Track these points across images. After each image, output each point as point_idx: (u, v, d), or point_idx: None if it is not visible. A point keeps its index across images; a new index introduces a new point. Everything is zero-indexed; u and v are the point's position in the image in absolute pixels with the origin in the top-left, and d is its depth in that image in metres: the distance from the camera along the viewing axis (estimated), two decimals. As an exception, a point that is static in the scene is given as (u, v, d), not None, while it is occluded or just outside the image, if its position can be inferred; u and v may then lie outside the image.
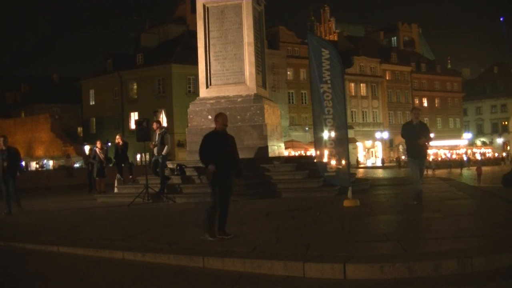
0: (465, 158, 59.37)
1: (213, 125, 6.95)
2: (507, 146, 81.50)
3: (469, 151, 68.23)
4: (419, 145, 10.12)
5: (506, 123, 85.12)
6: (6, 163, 12.42)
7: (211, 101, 16.28)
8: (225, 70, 16.41)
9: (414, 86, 75.54)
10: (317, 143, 11.08)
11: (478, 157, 63.26)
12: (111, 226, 9.66)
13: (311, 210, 9.92)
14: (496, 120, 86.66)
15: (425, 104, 76.25)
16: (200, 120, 16.27)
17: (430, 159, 54.25)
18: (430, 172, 39.38)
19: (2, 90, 65.83)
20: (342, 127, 10.77)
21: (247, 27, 16.20)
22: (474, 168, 36.34)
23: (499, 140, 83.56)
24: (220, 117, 7.67)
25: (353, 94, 67.43)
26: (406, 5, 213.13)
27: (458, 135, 78.41)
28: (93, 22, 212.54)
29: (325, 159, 10.90)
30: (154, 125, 14.21)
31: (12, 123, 56.54)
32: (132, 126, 46.47)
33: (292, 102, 63.04)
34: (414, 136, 10.12)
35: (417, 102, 75.40)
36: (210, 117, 16.18)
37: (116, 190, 15.91)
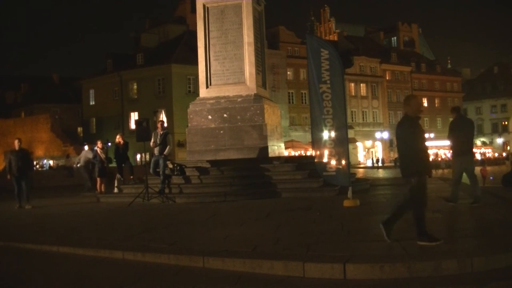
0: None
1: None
2: (507, 146, 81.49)
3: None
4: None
5: (506, 123, 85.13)
6: (20, 162, 13.82)
7: (211, 101, 16.28)
8: (225, 70, 16.41)
9: (414, 86, 75.54)
10: (316, 143, 11.08)
11: (478, 157, 63.16)
12: (111, 226, 9.65)
13: (311, 210, 9.92)
14: (496, 120, 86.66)
15: (425, 104, 76.23)
16: (200, 120, 16.27)
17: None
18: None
19: (2, 90, 65.92)
20: (342, 127, 10.77)
21: (247, 27, 16.20)
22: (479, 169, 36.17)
23: (499, 140, 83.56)
24: (413, 100, 6.52)
25: (353, 94, 67.44)
26: (406, 5, 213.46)
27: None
28: (93, 22, 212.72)
29: (325, 159, 10.91)
30: (159, 125, 14.23)
31: (12, 123, 56.53)
32: (132, 126, 46.47)
33: (292, 102, 63.04)
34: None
35: (417, 102, 75.38)
36: (210, 117, 16.20)
37: (116, 190, 15.91)
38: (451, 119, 10.51)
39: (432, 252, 5.68)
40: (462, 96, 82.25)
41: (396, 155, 68.76)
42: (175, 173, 14.81)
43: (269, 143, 15.91)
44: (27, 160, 14.27)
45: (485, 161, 46.90)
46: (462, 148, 9.62)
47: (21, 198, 13.89)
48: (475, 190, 9.56)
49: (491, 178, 22.95)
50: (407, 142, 6.26)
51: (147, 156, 16.09)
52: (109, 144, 29.08)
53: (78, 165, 19.03)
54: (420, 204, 6.28)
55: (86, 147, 19.88)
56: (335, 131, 10.73)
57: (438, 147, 65.73)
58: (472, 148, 9.86)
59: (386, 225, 6.31)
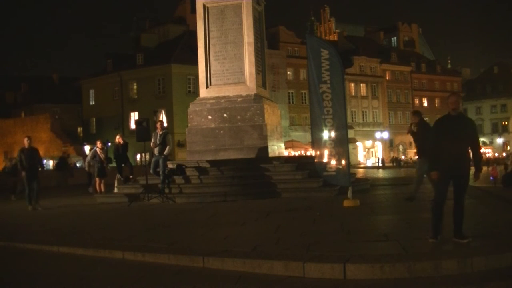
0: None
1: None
2: (507, 146, 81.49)
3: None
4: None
5: (506, 123, 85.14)
6: (31, 161, 13.41)
7: (211, 101, 16.28)
8: (225, 70, 16.41)
9: (414, 86, 75.58)
10: (316, 143, 11.08)
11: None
12: (111, 226, 9.66)
13: (311, 210, 9.92)
14: (496, 120, 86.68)
15: (425, 104, 76.29)
16: (200, 120, 16.26)
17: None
18: None
19: (2, 90, 65.87)
20: (342, 127, 10.77)
21: (247, 27, 16.19)
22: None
23: (499, 140, 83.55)
24: (450, 97, 6.47)
25: (353, 94, 67.44)
26: (406, 5, 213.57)
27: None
28: (93, 22, 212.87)
29: (325, 159, 10.91)
30: (158, 125, 14.21)
31: (12, 123, 56.53)
32: (132, 126, 46.45)
33: (292, 102, 63.05)
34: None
35: (417, 102, 75.47)
36: (210, 117, 16.19)
37: (116, 190, 15.90)
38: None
39: (432, 252, 5.68)
40: (462, 96, 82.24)
41: (395, 155, 68.80)
42: (175, 173, 14.80)
43: (269, 143, 15.90)
44: (37, 159, 13.84)
45: (490, 161, 46.60)
46: (422, 151, 10.38)
47: (31, 198, 13.45)
48: (415, 189, 10.65)
49: (491, 178, 22.88)
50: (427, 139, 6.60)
51: (147, 156, 16.06)
52: (109, 144, 29.10)
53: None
54: (434, 199, 6.47)
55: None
56: (335, 131, 10.73)
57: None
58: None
59: (457, 233, 6.22)
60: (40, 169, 13.98)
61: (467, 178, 6.38)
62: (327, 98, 10.73)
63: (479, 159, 6.43)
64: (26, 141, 13.68)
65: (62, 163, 27.68)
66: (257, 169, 14.68)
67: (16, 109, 63.86)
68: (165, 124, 16.51)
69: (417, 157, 11.16)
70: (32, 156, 13.53)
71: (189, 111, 16.60)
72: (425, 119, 11.39)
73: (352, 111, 66.15)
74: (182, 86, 51.46)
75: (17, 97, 66.74)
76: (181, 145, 43.55)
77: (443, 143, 6.23)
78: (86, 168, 18.10)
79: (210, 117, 16.16)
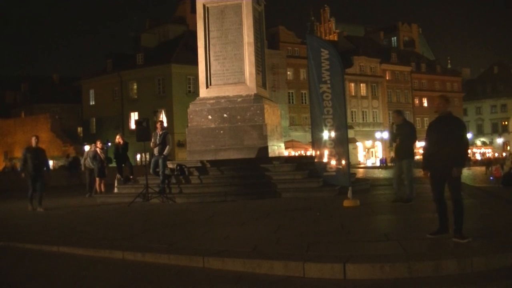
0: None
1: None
2: (507, 146, 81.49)
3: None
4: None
5: (506, 123, 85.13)
6: (37, 161, 13.11)
7: (211, 101, 16.28)
8: (225, 70, 16.41)
9: (414, 86, 75.52)
10: (316, 143, 11.09)
11: (478, 157, 63.25)
12: (111, 226, 9.66)
13: (311, 210, 9.92)
14: (496, 120, 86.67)
15: (425, 104, 76.26)
16: (200, 120, 16.26)
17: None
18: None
19: (2, 90, 65.84)
20: (342, 127, 10.78)
21: (247, 27, 16.20)
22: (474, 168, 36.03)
23: (499, 140, 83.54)
24: (437, 99, 6.79)
25: (353, 94, 67.40)
26: (406, 5, 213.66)
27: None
28: (93, 22, 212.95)
29: (325, 159, 10.92)
30: (158, 125, 14.21)
31: (12, 123, 56.50)
32: (132, 126, 46.43)
33: (292, 102, 63.01)
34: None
35: (417, 102, 75.45)
36: (210, 117, 16.20)
37: (116, 190, 15.91)
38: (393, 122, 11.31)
39: (432, 252, 5.68)
40: (462, 96, 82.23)
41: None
42: (175, 173, 14.82)
43: (269, 143, 15.90)
44: (43, 159, 13.50)
45: (493, 161, 46.50)
46: (409, 152, 10.43)
47: (33, 199, 13.19)
48: (410, 189, 10.35)
49: (491, 178, 22.88)
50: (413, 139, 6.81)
51: (147, 156, 16.07)
52: (109, 144, 29.09)
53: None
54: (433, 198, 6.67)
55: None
56: (335, 131, 10.73)
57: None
58: (413, 152, 10.66)
59: (457, 233, 6.20)
60: (45, 169, 13.66)
61: (457, 177, 6.47)
62: (327, 98, 10.74)
63: (461, 155, 6.42)
64: (33, 140, 13.37)
65: (75, 163, 27.72)
66: (257, 169, 14.68)
67: (16, 109, 63.83)
68: (165, 124, 16.49)
69: (396, 158, 10.95)
70: (38, 156, 13.23)
71: (189, 111, 16.60)
72: (425, 119, 11.41)
73: (352, 111, 66.12)
74: (182, 86, 51.44)
75: (17, 97, 66.72)
76: (181, 145, 43.54)
77: (431, 144, 6.52)
78: (83, 168, 18.17)
79: (210, 117, 16.16)
